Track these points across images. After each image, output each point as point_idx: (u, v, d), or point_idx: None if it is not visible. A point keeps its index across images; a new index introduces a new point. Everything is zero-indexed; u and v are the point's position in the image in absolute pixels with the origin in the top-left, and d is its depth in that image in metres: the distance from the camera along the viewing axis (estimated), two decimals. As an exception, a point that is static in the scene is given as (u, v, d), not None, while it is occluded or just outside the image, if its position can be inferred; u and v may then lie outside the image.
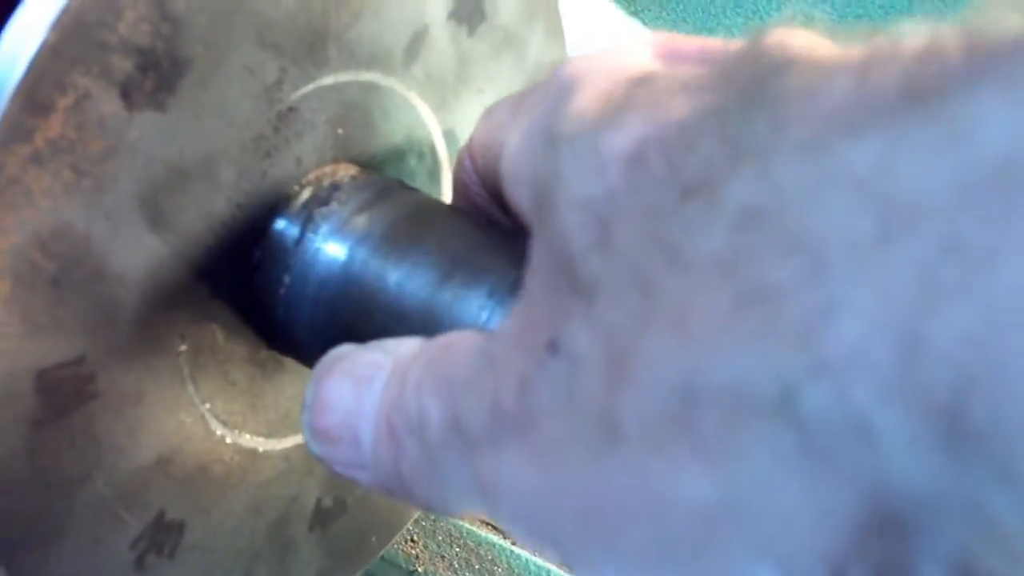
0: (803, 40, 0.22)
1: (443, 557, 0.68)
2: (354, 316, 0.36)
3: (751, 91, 0.21)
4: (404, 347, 0.30)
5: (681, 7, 1.05)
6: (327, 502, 0.46)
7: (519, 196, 0.28)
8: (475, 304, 0.33)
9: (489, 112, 0.35)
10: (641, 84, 0.25)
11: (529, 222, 0.26)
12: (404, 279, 0.35)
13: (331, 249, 0.37)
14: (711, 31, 1.03)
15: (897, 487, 0.17)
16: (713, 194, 0.20)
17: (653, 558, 0.21)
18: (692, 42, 0.27)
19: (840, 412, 0.17)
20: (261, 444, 0.42)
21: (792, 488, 0.18)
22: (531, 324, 0.24)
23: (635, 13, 1.09)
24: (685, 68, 0.25)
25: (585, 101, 0.25)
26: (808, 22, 0.25)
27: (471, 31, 0.44)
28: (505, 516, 0.25)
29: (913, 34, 0.20)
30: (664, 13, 1.06)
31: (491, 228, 0.36)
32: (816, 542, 0.18)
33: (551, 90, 0.27)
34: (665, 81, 0.24)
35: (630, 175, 0.22)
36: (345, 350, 0.32)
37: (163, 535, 0.39)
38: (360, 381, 0.30)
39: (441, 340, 0.29)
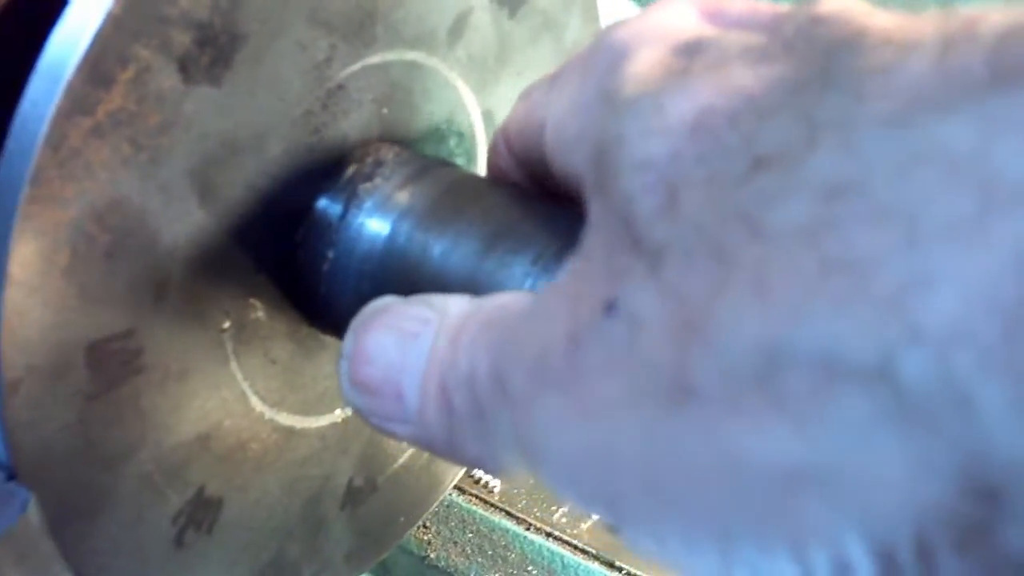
0: (863, 10, 0.23)
1: (455, 543, 0.68)
2: (398, 289, 0.36)
3: (823, 64, 0.21)
4: (453, 305, 0.30)
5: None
6: (359, 482, 0.46)
7: (572, 159, 0.28)
8: (519, 272, 0.33)
9: (525, 94, 0.35)
10: (696, 49, 0.25)
11: (584, 184, 0.26)
12: (448, 250, 0.35)
13: (374, 224, 0.37)
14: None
15: (995, 456, 0.17)
16: (791, 166, 0.20)
17: (725, 520, 0.21)
18: (736, 3, 0.27)
19: (940, 380, 0.18)
20: (298, 422, 0.42)
21: (887, 452, 0.18)
22: (586, 283, 0.24)
23: (643, 4, 1.09)
24: (736, 33, 0.25)
25: (642, 64, 0.25)
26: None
27: (512, 13, 0.44)
28: (547, 474, 0.24)
29: (990, 14, 0.20)
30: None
31: (532, 201, 0.36)
32: (906, 506, 0.18)
33: (601, 55, 0.27)
34: (721, 47, 0.24)
35: (696, 141, 0.22)
36: (388, 301, 0.31)
37: (202, 511, 0.39)
38: (405, 335, 0.29)
39: (496, 300, 0.29)
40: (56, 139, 0.30)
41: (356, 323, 0.31)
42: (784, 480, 0.19)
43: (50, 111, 0.30)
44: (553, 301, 0.25)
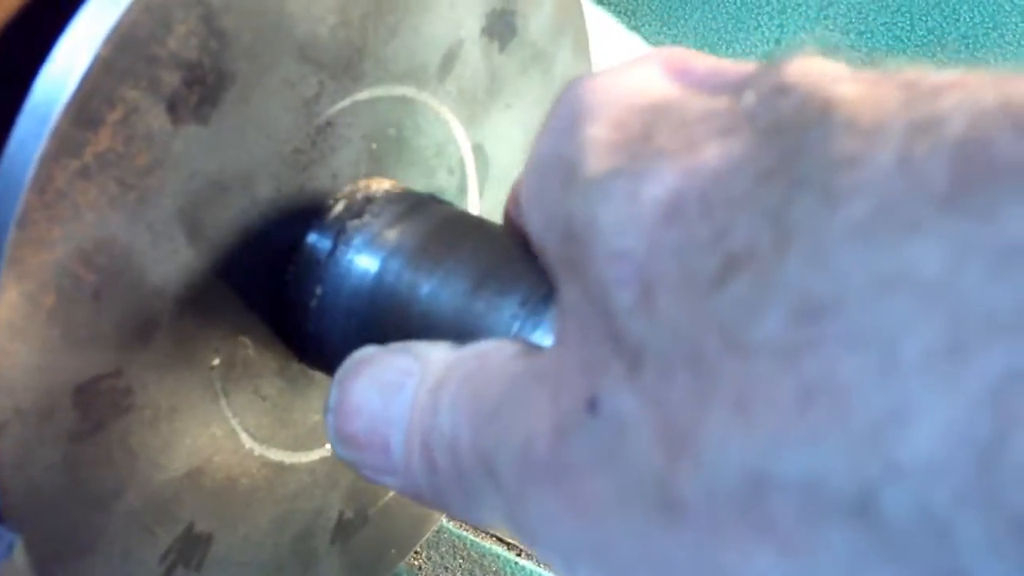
0: (830, 75, 0.22)
1: (447, 568, 0.67)
2: (386, 328, 0.36)
3: (787, 149, 0.21)
4: (434, 352, 0.29)
5: (682, 23, 1.06)
6: (349, 514, 0.46)
7: (534, 228, 0.27)
8: (507, 314, 0.33)
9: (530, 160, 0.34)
10: (659, 114, 0.24)
11: (552, 259, 0.25)
12: (436, 289, 0.35)
13: (363, 261, 0.37)
14: (712, 47, 1.04)
15: None
16: (762, 273, 0.20)
17: None
18: (703, 61, 0.26)
19: (920, 514, 0.17)
20: (288, 457, 0.42)
21: None
22: (566, 372, 0.23)
23: (635, 28, 1.09)
24: (699, 98, 0.24)
25: (601, 132, 0.24)
26: (816, 45, 0.25)
27: (502, 47, 0.44)
28: (542, 554, 0.24)
29: (956, 94, 0.20)
30: (665, 28, 1.06)
31: (523, 241, 0.35)
32: None
33: (560, 114, 0.26)
34: (683, 114, 0.23)
35: (669, 230, 0.21)
36: (370, 352, 0.31)
37: (191, 548, 0.39)
38: (387, 387, 0.29)
39: (474, 350, 0.28)
40: (43, 182, 0.30)
41: (340, 375, 0.31)
42: None
43: (37, 153, 0.30)
44: (535, 385, 0.25)
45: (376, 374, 0.30)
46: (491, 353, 0.28)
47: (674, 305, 0.21)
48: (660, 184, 0.22)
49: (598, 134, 0.24)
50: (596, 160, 0.24)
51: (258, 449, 0.40)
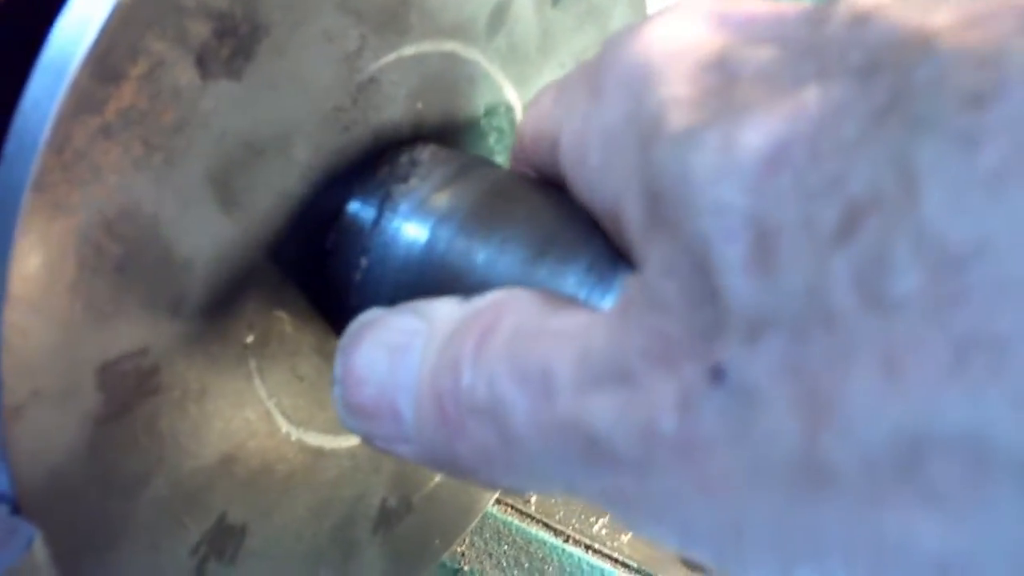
0: (911, 9, 0.20)
1: (491, 555, 0.65)
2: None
3: (896, 87, 0.19)
4: (441, 308, 0.28)
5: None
6: (392, 502, 0.43)
7: (602, 193, 0.25)
8: (572, 281, 0.30)
9: (535, 100, 0.32)
10: (731, 64, 0.23)
11: (630, 221, 0.24)
12: (493, 258, 0.32)
13: (411, 229, 0.34)
14: None
15: None
16: (894, 221, 0.18)
17: None
18: (743, 8, 0.25)
19: None
20: (327, 442, 0.39)
21: None
22: (675, 340, 0.21)
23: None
24: (766, 45, 0.23)
25: (677, 88, 0.23)
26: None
27: (555, 2, 0.41)
28: (661, 532, 0.23)
29: None
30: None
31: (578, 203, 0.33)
32: None
33: (616, 74, 0.25)
34: (759, 61, 0.22)
35: (777, 178, 0.20)
36: (374, 315, 0.30)
37: (224, 540, 0.36)
38: (394, 350, 0.28)
39: (486, 301, 0.27)
40: (60, 141, 0.27)
41: (344, 342, 0.30)
42: (935, 571, 0.18)
43: (54, 110, 0.27)
44: (637, 356, 0.22)
45: (380, 337, 0.29)
46: (510, 304, 0.26)
47: (796, 260, 0.19)
48: (758, 131, 0.20)
49: (676, 92, 0.23)
50: (680, 116, 0.22)
51: (295, 433, 0.38)
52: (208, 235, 0.31)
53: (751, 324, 0.19)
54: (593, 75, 0.26)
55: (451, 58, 0.37)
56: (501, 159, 0.41)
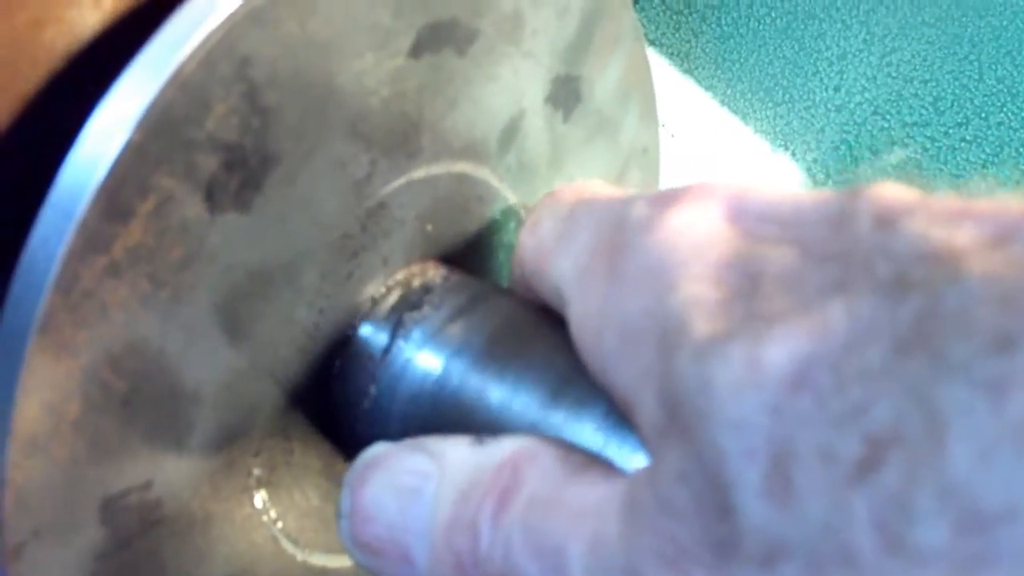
0: (936, 215, 0.20)
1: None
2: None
3: (922, 314, 0.18)
4: (451, 451, 0.28)
5: (737, 67, 1.02)
6: (397, 620, 0.42)
7: (617, 376, 0.25)
8: (590, 426, 0.29)
9: (532, 228, 0.32)
10: (756, 267, 0.22)
11: (643, 415, 0.23)
12: (508, 397, 0.31)
13: (424, 360, 0.34)
14: (769, 92, 1.00)
15: None
16: (918, 464, 0.17)
17: None
18: (759, 195, 0.24)
19: None
20: (331, 561, 0.38)
21: None
22: (687, 550, 0.21)
23: (688, 72, 1.06)
24: (790, 242, 0.22)
25: (704, 290, 0.22)
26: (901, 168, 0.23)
27: (567, 116, 0.41)
28: None
29: None
30: (719, 72, 1.03)
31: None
32: None
33: (637, 268, 0.24)
34: (784, 264, 0.22)
35: (796, 401, 0.19)
36: (380, 451, 0.29)
37: (227, 666, 0.35)
38: (404, 492, 0.28)
39: (500, 456, 0.26)
40: (67, 281, 0.27)
41: (351, 477, 0.29)
42: None
43: (61, 250, 0.27)
44: (647, 559, 0.21)
45: (390, 478, 0.28)
46: (529, 464, 0.26)
47: (815, 491, 0.18)
48: (784, 349, 0.19)
49: (702, 292, 0.22)
50: (705, 321, 0.21)
51: (300, 555, 0.37)
52: (214, 366, 0.31)
53: (767, 548, 0.19)
54: (613, 255, 0.25)
55: (461, 179, 0.37)
56: (507, 276, 0.41)
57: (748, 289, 0.22)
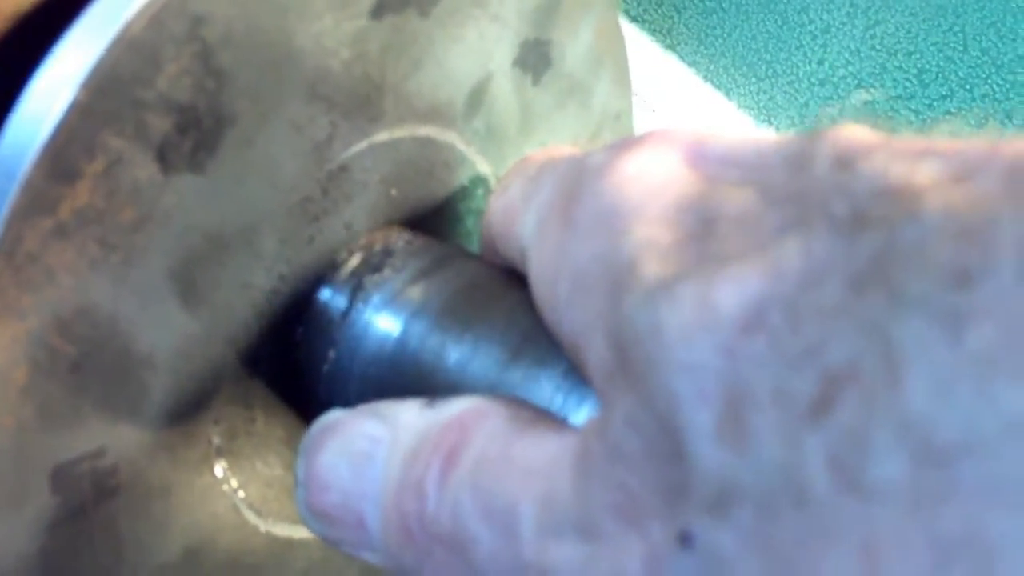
0: (896, 152, 0.19)
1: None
2: (408, 397, 0.32)
3: (878, 250, 0.18)
4: (403, 415, 0.27)
5: (720, 42, 1.01)
6: (365, 592, 0.42)
7: (570, 325, 0.24)
8: (548, 386, 0.29)
9: (501, 190, 0.32)
10: (710, 208, 0.22)
11: (595, 362, 0.23)
12: (467, 357, 0.31)
13: (383, 322, 0.33)
14: (752, 67, 1.00)
15: None
16: (873, 400, 0.17)
17: None
18: (720, 140, 0.24)
19: None
20: (296, 532, 0.38)
21: None
22: (640, 497, 0.20)
23: (671, 47, 1.05)
24: (747, 185, 0.22)
25: (655, 231, 0.22)
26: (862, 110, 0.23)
27: (536, 80, 0.40)
28: None
29: None
30: (702, 48, 1.02)
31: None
32: None
33: (589, 205, 0.24)
34: (738, 205, 0.21)
35: (751, 341, 0.19)
36: (335, 418, 0.29)
37: (188, 637, 0.35)
38: (356, 457, 0.27)
39: (448, 415, 0.26)
40: (11, 243, 0.26)
41: (306, 444, 0.29)
42: None
43: (4, 211, 0.26)
44: (596, 508, 0.21)
45: (343, 444, 0.28)
46: (476, 423, 0.25)
47: (768, 433, 0.18)
48: (736, 289, 0.19)
49: (652, 234, 0.22)
50: (655, 263, 0.21)
51: (263, 525, 0.36)
52: (170, 332, 0.30)
53: (719, 492, 0.18)
54: (569, 203, 0.25)
55: (426, 142, 0.37)
56: (476, 243, 0.40)
57: (703, 231, 0.21)
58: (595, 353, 0.22)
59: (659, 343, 0.20)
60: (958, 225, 0.17)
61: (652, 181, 0.23)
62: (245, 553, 0.36)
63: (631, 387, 0.21)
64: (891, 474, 0.16)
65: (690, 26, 1.04)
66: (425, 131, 0.36)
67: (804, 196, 0.20)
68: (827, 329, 0.18)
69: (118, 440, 0.30)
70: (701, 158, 0.23)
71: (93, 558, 0.31)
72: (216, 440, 0.34)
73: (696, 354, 0.19)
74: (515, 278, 0.33)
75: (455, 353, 0.31)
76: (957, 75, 0.93)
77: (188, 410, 0.32)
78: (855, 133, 0.21)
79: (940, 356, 0.16)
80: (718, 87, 1.06)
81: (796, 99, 1.03)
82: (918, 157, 0.19)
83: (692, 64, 1.04)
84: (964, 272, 0.16)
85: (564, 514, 0.22)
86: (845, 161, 0.20)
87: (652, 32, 1.04)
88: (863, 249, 0.18)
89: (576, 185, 0.25)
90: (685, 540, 0.19)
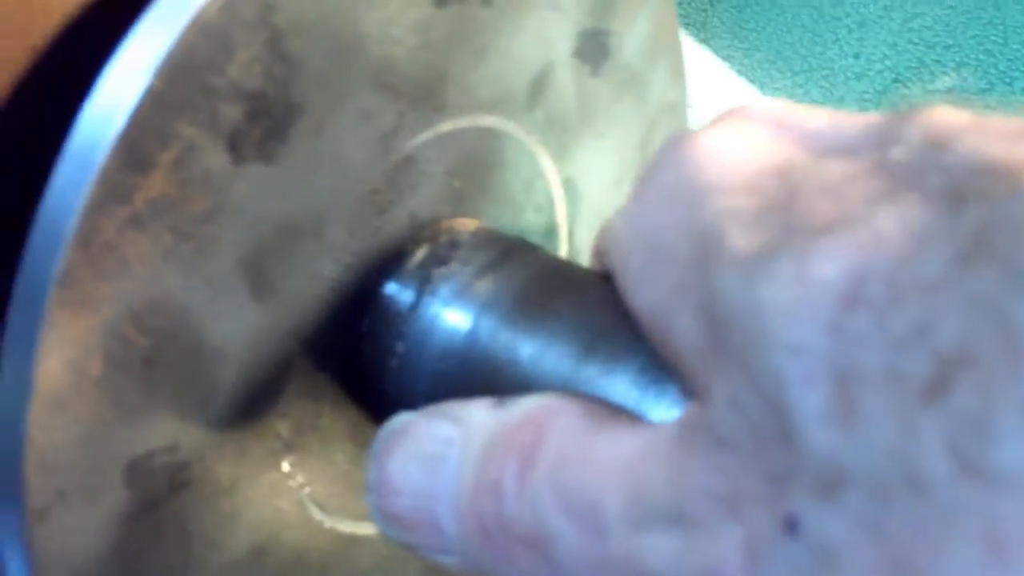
0: (988, 130, 0.19)
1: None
2: (480, 393, 0.31)
3: (982, 224, 0.17)
4: (475, 414, 0.27)
5: (755, 35, 1.01)
6: (427, 589, 0.41)
7: (657, 311, 0.24)
8: (624, 380, 0.28)
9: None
10: (795, 178, 0.21)
11: (690, 346, 0.22)
12: (539, 352, 0.30)
13: (452, 316, 0.32)
14: (787, 61, 0.99)
15: None
16: (994, 383, 0.16)
17: None
18: (806, 114, 0.23)
19: None
20: (361, 528, 0.37)
21: None
22: (742, 482, 0.20)
23: (705, 41, 1.04)
24: (833, 156, 0.21)
25: (740, 200, 0.21)
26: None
27: (595, 70, 0.40)
28: None
29: None
30: (736, 41, 1.02)
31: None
32: None
33: (664, 182, 0.23)
34: (825, 175, 0.21)
35: (856, 318, 0.18)
36: (404, 421, 0.28)
37: (255, 634, 0.35)
38: (428, 459, 0.27)
39: (522, 413, 0.25)
40: (88, 233, 0.26)
41: (376, 449, 0.28)
42: None
43: (81, 201, 0.26)
44: (693, 494, 0.20)
45: (414, 447, 0.27)
46: (551, 421, 0.25)
47: (881, 414, 0.17)
48: (833, 262, 0.18)
49: (738, 203, 0.21)
50: (743, 234, 0.20)
51: (328, 521, 0.36)
52: (240, 323, 0.30)
53: (830, 476, 0.18)
54: (648, 176, 0.24)
55: (489, 133, 0.36)
56: (538, 235, 0.40)
57: (787, 200, 0.20)
58: (683, 329, 0.22)
59: (760, 321, 0.19)
60: None
61: (734, 150, 0.23)
62: (310, 549, 0.36)
63: (732, 367, 0.20)
64: (1017, 459, 0.16)
65: (724, 20, 1.03)
66: (488, 121, 0.36)
67: (894, 170, 0.19)
68: (935, 305, 0.17)
69: (189, 434, 0.30)
70: (785, 129, 0.23)
71: (162, 554, 0.31)
72: (284, 435, 0.33)
73: (801, 333, 0.18)
74: (585, 271, 0.32)
75: (528, 348, 0.30)
76: (997, 68, 0.92)
77: (257, 404, 0.32)
78: (945, 113, 0.20)
79: None
80: (752, 81, 1.06)
81: (832, 94, 1.02)
82: (1016, 136, 0.18)
83: (726, 58, 1.03)
84: None
85: (655, 505, 0.21)
86: (938, 140, 0.19)
87: (686, 25, 1.03)
88: (967, 223, 0.17)
89: (658, 156, 0.25)
90: (791, 526, 0.18)
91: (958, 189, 0.18)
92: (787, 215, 0.20)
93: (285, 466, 0.34)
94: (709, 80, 1.03)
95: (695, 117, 0.99)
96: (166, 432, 0.29)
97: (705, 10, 0.99)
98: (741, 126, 0.24)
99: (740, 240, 0.20)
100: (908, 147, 0.20)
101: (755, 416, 0.19)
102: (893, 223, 0.18)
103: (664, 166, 0.24)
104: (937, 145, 0.19)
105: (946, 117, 0.20)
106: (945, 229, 0.18)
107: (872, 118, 0.22)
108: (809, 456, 0.18)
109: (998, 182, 0.18)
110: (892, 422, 0.17)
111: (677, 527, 0.21)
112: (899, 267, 0.18)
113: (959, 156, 0.19)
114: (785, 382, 0.18)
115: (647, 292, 0.24)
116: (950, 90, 0.90)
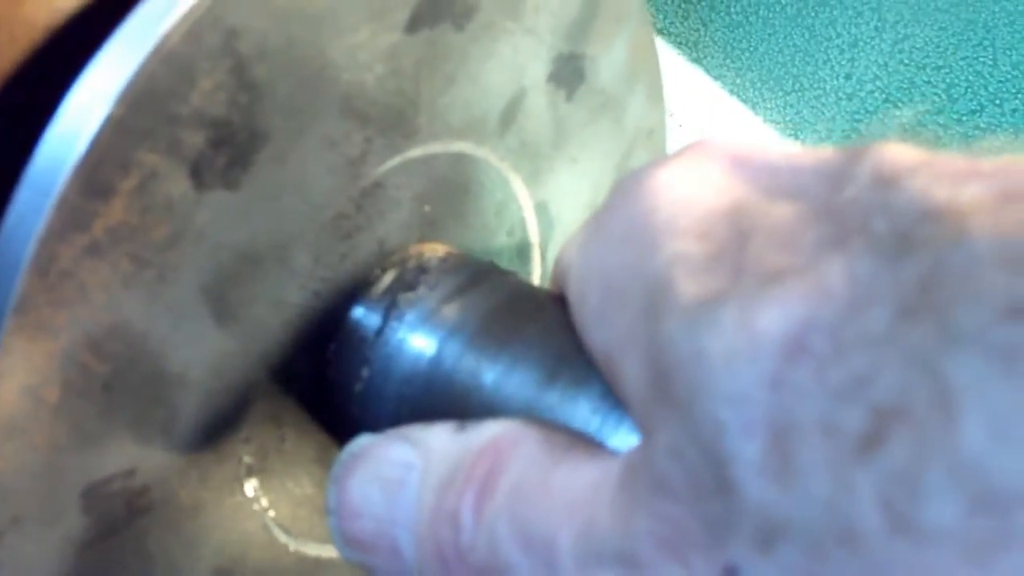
0: (942, 172, 0.19)
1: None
2: (444, 418, 0.31)
3: (926, 277, 0.17)
4: (434, 439, 0.27)
5: (747, 56, 1.01)
6: (394, 612, 0.41)
7: (612, 358, 0.23)
8: (585, 407, 0.28)
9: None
10: (746, 221, 0.21)
11: (636, 390, 0.22)
12: (503, 378, 0.30)
13: (418, 341, 0.32)
14: (779, 82, 0.99)
15: None
16: (927, 440, 0.16)
17: None
18: (764, 151, 0.23)
19: None
20: (326, 551, 0.37)
21: None
22: (683, 529, 0.20)
23: (697, 61, 1.04)
24: (787, 198, 0.21)
25: (689, 245, 0.21)
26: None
27: (570, 95, 0.40)
28: None
29: None
30: (728, 61, 1.02)
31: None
32: None
33: (621, 222, 0.23)
34: (777, 219, 0.20)
35: (794, 371, 0.18)
36: (365, 444, 0.28)
37: (217, 659, 0.35)
38: (389, 484, 0.27)
39: (481, 439, 0.25)
40: (45, 261, 0.26)
41: (336, 471, 0.28)
42: None
43: (39, 229, 0.26)
44: (639, 540, 0.20)
45: (374, 471, 0.27)
46: (511, 450, 0.25)
47: (816, 467, 0.17)
48: (778, 313, 0.18)
49: (687, 248, 0.21)
50: (691, 281, 0.20)
51: (293, 544, 0.36)
52: (202, 349, 0.30)
53: (766, 527, 0.18)
54: (604, 211, 0.24)
55: (461, 158, 0.36)
56: (509, 259, 0.40)
57: (737, 245, 0.20)
58: (631, 372, 0.22)
59: (702, 370, 0.19)
60: (1008, 252, 0.16)
61: (686, 190, 0.22)
62: (275, 572, 0.36)
63: (673, 414, 0.20)
64: (946, 518, 0.16)
65: (716, 39, 1.03)
66: (459, 147, 0.36)
67: (843, 213, 0.19)
68: (875, 359, 0.17)
69: (149, 459, 0.30)
70: (738, 169, 0.23)
71: (124, 578, 0.31)
72: (247, 459, 0.33)
73: (741, 383, 0.18)
74: (551, 297, 0.32)
75: (491, 373, 0.30)
76: (987, 90, 0.92)
77: (219, 429, 0.32)
78: (897, 151, 0.20)
79: (996, 396, 0.16)
80: (744, 101, 1.05)
81: (823, 114, 1.02)
82: (963, 177, 0.18)
83: (718, 78, 1.03)
84: (1018, 304, 0.16)
85: (605, 544, 0.21)
86: (887, 179, 0.19)
87: (678, 45, 1.04)
88: (909, 274, 0.17)
89: (613, 193, 0.25)
90: (732, 574, 0.18)
91: (903, 236, 0.18)
92: (736, 261, 0.20)
93: (249, 490, 0.34)
94: (701, 100, 1.03)
95: (686, 137, 0.99)
96: (125, 457, 0.29)
97: (698, 30, 0.99)
98: (698, 162, 0.23)
99: (687, 287, 0.20)
100: (858, 186, 0.20)
101: (693, 465, 0.19)
102: (839, 273, 0.18)
103: (618, 205, 0.24)
104: (885, 184, 0.19)
105: (896, 155, 0.20)
106: (890, 280, 0.18)
107: (828, 154, 0.22)
108: (746, 507, 0.18)
109: (942, 229, 0.17)
110: (827, 475, 0.17)
111: (624, 568, 0.20)
112: (843, 320, 0.18)
113: (905, 198, 0.18)
114: (723, 432, 0.18)
115: (600, 333, 0.24)
116: (939, 111, 0.90)
